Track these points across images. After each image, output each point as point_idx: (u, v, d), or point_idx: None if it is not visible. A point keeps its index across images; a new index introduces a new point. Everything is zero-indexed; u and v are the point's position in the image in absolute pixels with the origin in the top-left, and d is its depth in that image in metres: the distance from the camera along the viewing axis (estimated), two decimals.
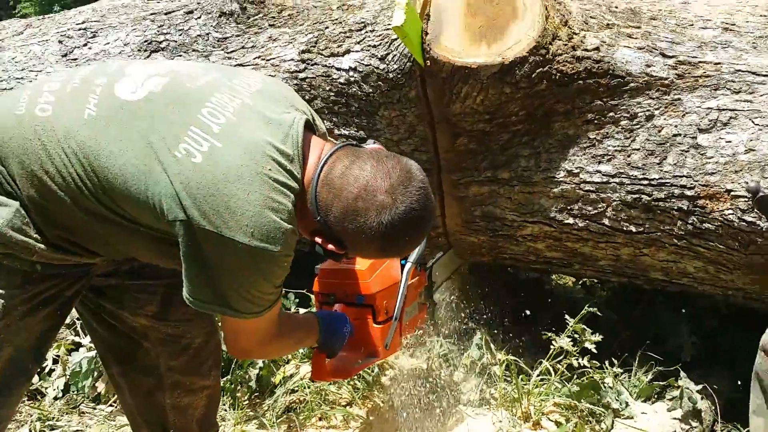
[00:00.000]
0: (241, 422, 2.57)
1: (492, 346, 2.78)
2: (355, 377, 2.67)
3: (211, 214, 1.30)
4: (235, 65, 2.61)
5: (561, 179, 2.34)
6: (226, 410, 2.64)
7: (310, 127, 1.50)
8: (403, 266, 2.03)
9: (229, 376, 2.74)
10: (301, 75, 2.50)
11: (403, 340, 2.17)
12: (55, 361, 2.75)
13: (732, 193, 2.13)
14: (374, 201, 1.36)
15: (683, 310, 2.85)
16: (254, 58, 2.59)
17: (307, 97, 2.49)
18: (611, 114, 2.25)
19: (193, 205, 1.29)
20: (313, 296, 2.18)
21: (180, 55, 2.74)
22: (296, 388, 2.68)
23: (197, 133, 1.33)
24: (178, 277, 1.43)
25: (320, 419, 2.60)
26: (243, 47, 2.65)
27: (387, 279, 1.98)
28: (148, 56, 2.78)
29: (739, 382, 2.69)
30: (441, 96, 2.22)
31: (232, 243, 1.30)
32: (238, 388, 2.74)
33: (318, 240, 1.46)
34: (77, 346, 2.76)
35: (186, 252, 1.35)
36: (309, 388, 2.65)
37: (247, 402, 2.71)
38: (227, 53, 2.66)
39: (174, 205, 1.31)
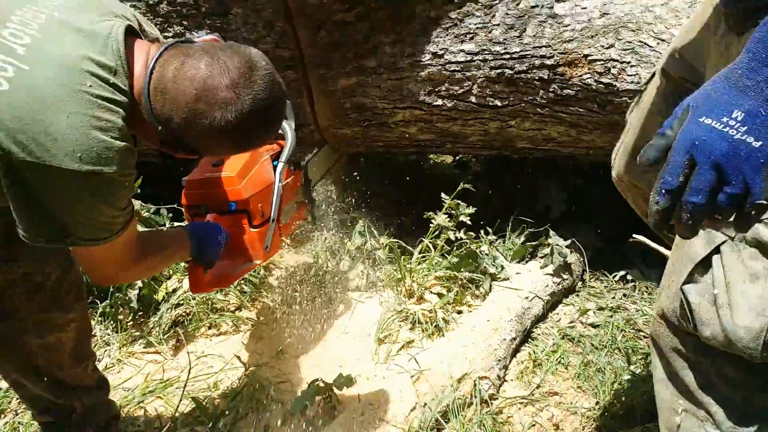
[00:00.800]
0: (127, 343, 2.50)
1: (375, 232, 2.83)
2: (242, 281, 2.64)
3: (30, 145, 1.17)
4: None
5: (427, 62, 2.31)
6: (109, 334, 2.55)
7: (134, 34, 1.36)
8: (275, 167, 1.98)
9: (108, 301, 2.63)
10: None
11: (283, 240, 2.14)
12: None
13: (589, 57, 2.19)
14: (216, 99, 1.28)
15: (551, 174, 3.00)
16: None
17: (151, 1, 2.26)
18: None
19: (8, 137, 1.16)
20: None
21: None
22: (181, 302, 2.63)
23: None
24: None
25: (210, 328, 2.58)
26: None
27: (259, 182, 1.93)
28: None
29: (600, 231, 2.95)
30: None
31: (60, 171, 1.20)
32: (120, 310, 2.64)
33: (167, 150, 1.39)
34: None
35: (12, 189, 1.23)
36: (194, 299, 2.61)
37: (131, 323, 2.63)
38: None
39: None
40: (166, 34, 2.32)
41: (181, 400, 2.13)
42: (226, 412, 2.09)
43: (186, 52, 1.31)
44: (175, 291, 2.73)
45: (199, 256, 1.74)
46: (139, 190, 2.67)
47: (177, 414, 2.11)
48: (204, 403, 2.12)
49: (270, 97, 1.34)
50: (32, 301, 1.64)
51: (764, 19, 0.79)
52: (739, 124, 0.79)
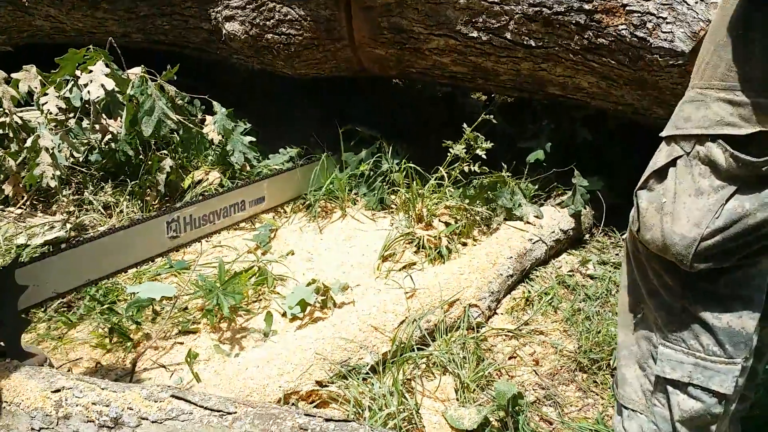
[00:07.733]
0: None
1: (398, 153, 2.90)
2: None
3: None
4: None
5: None
6: (134, 212, 2.73)
7: None
8: None
9: (137, 180, 2.79)
10: None
11: None
12: None
13: (627, 7, 2.17)
14: None
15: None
16: None
17: None
18: None
19: None
20: None
21: None
22: (206, 191, 2.80)
23: None
24: None
25: None
26: None
27: None
28: None
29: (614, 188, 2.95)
30: None
31: None
32: (147, 192, 2.80)
33: None
34: None
35: None
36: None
37: (156, 204, 2.80)
38: None
39: None
40: None
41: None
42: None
43: None
44: (200, 182, 2.88)
45: None
46: (175, 77, 2.77)
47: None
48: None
49: None
50: None
51: None
52: None
